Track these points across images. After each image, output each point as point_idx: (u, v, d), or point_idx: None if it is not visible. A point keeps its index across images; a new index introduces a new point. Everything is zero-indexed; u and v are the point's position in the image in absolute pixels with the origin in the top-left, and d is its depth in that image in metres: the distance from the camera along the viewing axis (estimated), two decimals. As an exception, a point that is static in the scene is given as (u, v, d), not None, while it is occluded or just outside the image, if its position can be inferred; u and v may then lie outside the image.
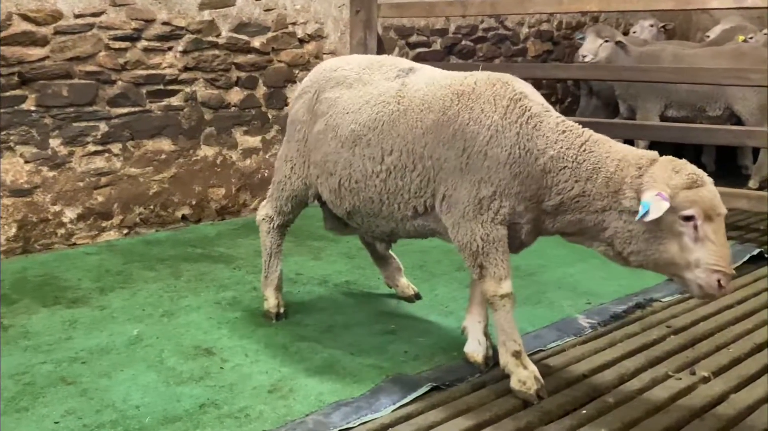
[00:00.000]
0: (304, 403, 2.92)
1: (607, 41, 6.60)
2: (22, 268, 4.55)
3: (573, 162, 2.85)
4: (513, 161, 2.87)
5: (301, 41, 6.10)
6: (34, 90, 4.83)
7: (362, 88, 3.33)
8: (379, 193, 3.20)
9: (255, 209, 5.93)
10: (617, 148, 2.88)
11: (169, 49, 5.36)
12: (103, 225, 5.20)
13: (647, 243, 2.76)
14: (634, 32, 7.97)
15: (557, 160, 2.86)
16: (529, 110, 2.93)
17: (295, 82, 6.08)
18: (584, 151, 2.85)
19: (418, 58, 6.94)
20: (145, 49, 5.26)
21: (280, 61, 5.97)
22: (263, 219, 3.86)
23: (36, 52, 4.81)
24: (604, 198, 2.80)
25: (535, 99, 2.99)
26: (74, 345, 3.48)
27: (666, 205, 2.61)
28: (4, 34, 4.67)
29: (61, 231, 5.03)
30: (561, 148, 2.86)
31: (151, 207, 5.40)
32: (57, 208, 5.00)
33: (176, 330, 3.64)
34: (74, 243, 5.07)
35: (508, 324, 3.00)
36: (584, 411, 2.83)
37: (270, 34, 5.88)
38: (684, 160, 2.77)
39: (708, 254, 2.65)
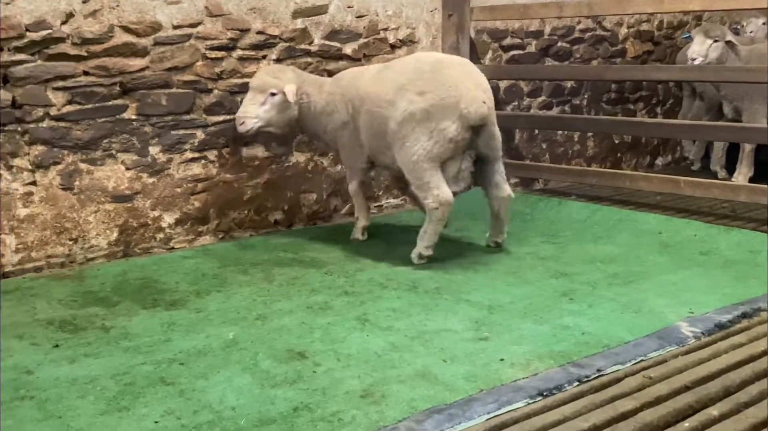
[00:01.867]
0: (396, 409, 2.93)
1: (716, 41, 6.31)
2: (122, 271, 4.75)
3: None
4: None
5: (393, 47, 6.15)
6: (135, 99, 5.05)
7: None
8: None
9: (345, 214, 6.03)
10: None
11: (263, 57, 5.51)
12: (200, 229, 5.38)
13: None
14: (751, 32, 7.63)
15: None
16: None
17: (386, 87, 6.13)
18: None
19: (512, 61, 6.90)
20: (240, 58, 5.41)
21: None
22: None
23: (136, 63, 5.02)
24: None
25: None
26: (172, 346, 3.60)
27: None
28: (106, 45, 4.89)
29: (160, 235, 5.23)
30: None
31: (246, 212, 5.55)
32: (156, 213, 5.20)
33: (270, 334, 3.72)
34: (172, 248, 5.26)
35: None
36: (686, 424, 2.74)
37: (362, 41, 5.95)
38: None
39: None
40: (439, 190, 4.61)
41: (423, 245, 4.78)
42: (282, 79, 5.04)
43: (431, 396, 3.02)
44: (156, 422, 2.88)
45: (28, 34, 4.61)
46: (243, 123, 5.04)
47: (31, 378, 3.28)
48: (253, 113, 5.04)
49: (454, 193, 4.69)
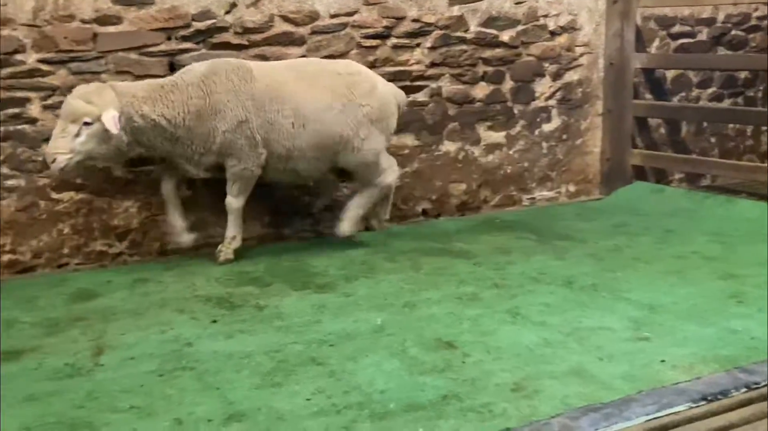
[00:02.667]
0: (549, 405, 2.89)
1: None
2: (275, 254, 4.96)
3: None
4: None
5: (553, 34, 6.05)
6: (292, 88, 5.24)
7: None
8: None
9: (496, 206, 6.01)
10: None
11: (418, 45, 5.57)
12: (349, 217, 5.51)
13: None
14: None
15: None
16: None
17: (544, 75, 6.05)
18: None
19: (681, 49, 6.62)
20: (395, 46, 5.50)
21: (529, 55, 5.98)
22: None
23: (294, 52, 5.21)
24: None
25: None
26: (322, 328, 3.73)
27: None
28: (266, 35, 5.12)
29: (310, 220, 5.41)
30: None
31: (393, 200, 5.64)
32: (307, 199, 5.38)
33: (418, 322, 3.77)
34: (321, 233, 5.43)
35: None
36: None
37: (520, 27, 5.90)
38: None
39: None
40: (388, 164, 4.98)
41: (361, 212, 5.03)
42: (97, 104, 4.23)
43: (586, 394, 2.96)
44: (308, 399, 2.99)
45: (193, 23, 4.90)
46: (54, 160, 4.22)
47: (191, 350, 3.49)
48: (65, 147, 4.21)
49: None
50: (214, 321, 3.83)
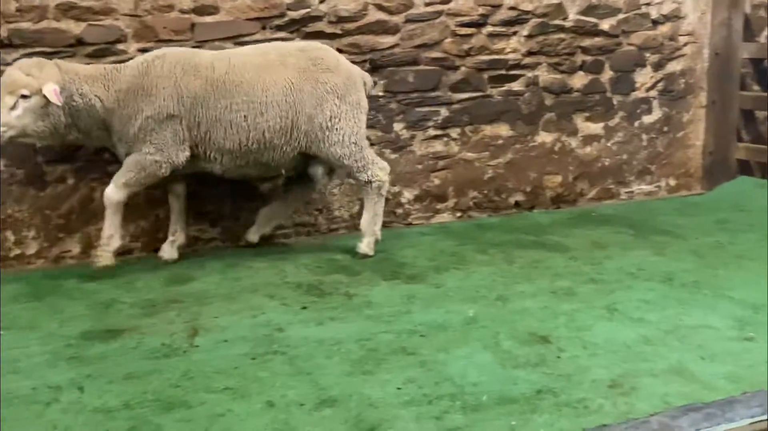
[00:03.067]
0: (648, 403, 2.84)
1: None
2: (363, 244, 4.99)
3: None
4: None
5: (655, 22, 5.89)
6: (383, 76, 5.27)
7: None
8: None
9: (593, 199, 5.89)
10: None
11: (514, 33, 5.51)
12: (438, 207, 5.51)
13: None
14: None
15: None
16: None
17: (645, 65, 5.90)
18: None
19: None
20: (490, 35, 5.46)
21: (629, 44, 5.84)
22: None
23: (387, 40, 5.23)
24: None
25: None
26: (413, 318, 3.74)
27: None
28: (359, 23, 5.15)
29: (399, 211, 5.43)
30: None
31: (485, 191, 5.61)
32: (396, 188, 5.40)
33: (511, 316, 3.75)
34: (410, 223, 5.45)
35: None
36: None
37: (621, 16, 5.76)
38: None
39: None
40: (379, 162, 4.71)
41: (377, 229, 4.73)
42: (37, 77, 4.09)
43: (687, 393, 2.90)
44: (399, 388, 3.01)
45: (288, 12, 4.97)
46: None
47: (283, 335, 3.56)
48: None
49: None
50: (304, 308, 3.89)
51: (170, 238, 4.66)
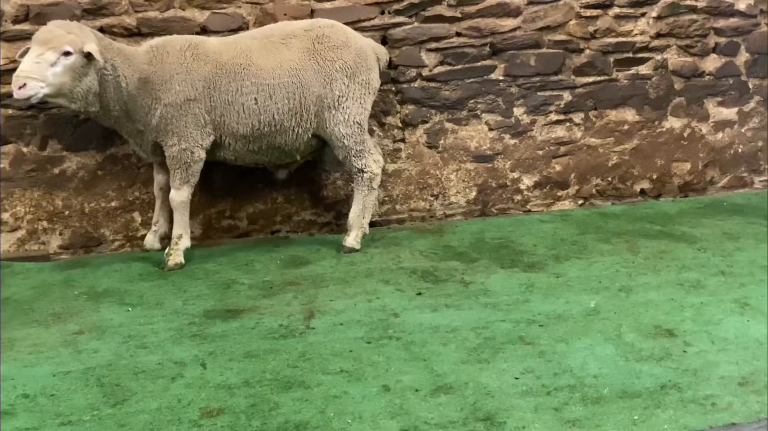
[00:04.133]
0: (783, 403, 2.72)
1: None
2: (479, 230, 4.97)
3: None
4: None
5: (797, 0, 5.59)
6: (503, 60, 5.22)
7: None
8: None
9: (724, 187, 5.66)
10: None
11: (642, 15, 5.34)
12: (559, 194, 5.43)
13: None
14: None
15: None
16: None
17: (785, 46, 5.60)
18: None
19: None
20: (617, 16, 5.31)
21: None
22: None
23: (508, 23, 5.17)
24: None
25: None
26: (531, 307, 3.71)
27: None
28: (480, 6, 5.11)
29: (518, 197, 5.38)
30: None
31: (609, 179, 5.47)
32: (515, 174, 5.35)
33: (634, 307, 3.67)
34: (529, 210, 5.38)
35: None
36: None
37: (760, -6, 5.50)
38: None
39: None
40: (375, 154, 4.65)
41: (365, 222, 4.68)
42: (79, 35, 4.04)
43: (828, 396, 2.76)
44: (516, 378, 3.01)
45: (408, -4, 5.00)
46: (24, 86, 3.92)
47: (398, 320, 3.61)
48: (38, 73, 3.95)
49: None
50: (419, 294, 3.92)
51: (153, 228, 4.62)
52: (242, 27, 4.77)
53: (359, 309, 3.75)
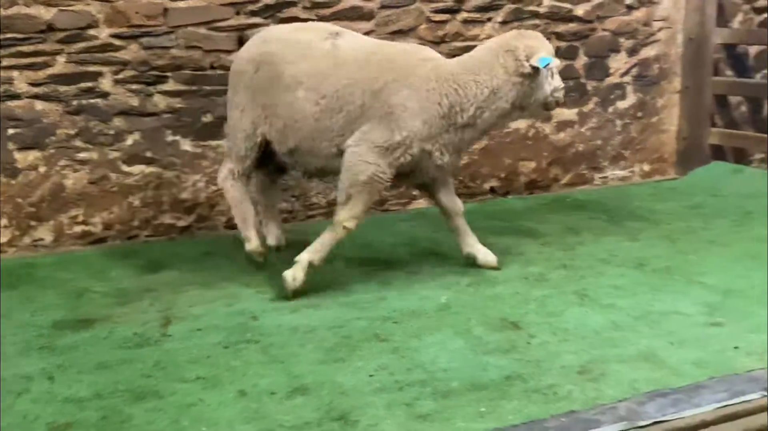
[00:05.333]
0: (616, 389, 2.86)
1: None
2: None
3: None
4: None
5: (630, 8, 5.89)
6: (360, 62, 5.24)
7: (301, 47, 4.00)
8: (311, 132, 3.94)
9: (567, 184, 5.92)
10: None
11: (489, 20, 5.50)
12: (415, 193, 5.51)
13: None
14: None
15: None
16: (436, 68, 3.90)
17: (619, 51, 5.90)
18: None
19: (765, 24, 6.37)
20: (465, 21, 5.44)
21: (604, 30, 5.84)
22: (225, 177, 4.21)
23: (362, 26, 5.19)
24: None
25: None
26: (387, 305, 3.75)
27: None
28: (334, 9, 5.12)
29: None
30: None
31: (460, 178, 5.61)
32: (374, 175, 5.39)
33: (483, 302, 3.76)
34: (387, 210, 5.45)
35: (326, 244, 3.95)
36: None
37: (595, 1, 5.76)
38: None
39: None
40: None
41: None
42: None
43: (655, 379, 2.92)
44: (371, 375, 3.03)
45: (262, -3, 4.94)
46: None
47: (257, 323, 3.56)
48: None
49: None
50: (281, 296, 3.88)
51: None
52: (91, 25, 4.58)
53: (218, 313, 3.68)
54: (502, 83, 3.83)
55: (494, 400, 2.82)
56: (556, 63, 3.89)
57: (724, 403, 2.72)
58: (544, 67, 3.81)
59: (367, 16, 5.21)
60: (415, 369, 3.07)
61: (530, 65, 3.80)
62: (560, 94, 4.01)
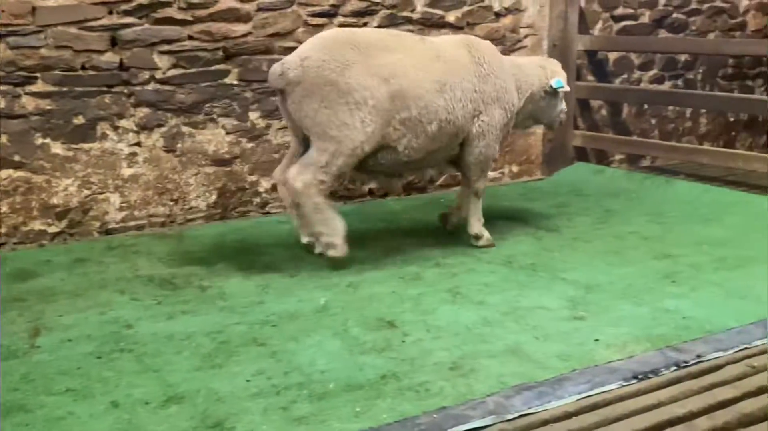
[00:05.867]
0: (485, 383, 2.93)
1: None
2: (220, 233, 4.91)
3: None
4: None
5: (498, 15, 6.06)
6: (237, 64, 5.18)
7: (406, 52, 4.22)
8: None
9: (442, 185, 6.03)
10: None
11: (364, 24, 5.53)
12: (295, 196, 5.48)
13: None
14: None
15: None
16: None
17: (488, 56, 6.05)
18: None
19: (623, 32, 6.70)
20: (342, 25, 5.45)
21: (475, 36, 5.97)
22: (310, 184, 4.06)
23: (240, 28, 5.14)
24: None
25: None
26: (266, 308, 3.71)
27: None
28: (211, 10, 5.03)
29: (257, 200, 5.37)
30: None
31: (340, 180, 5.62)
32: (254, 177, 5.34)
33: (360, 302, 3.78)
34: (268, 212, 5.40)
35: (479, 209, 4.64)
36: (792, 417, 2.64)
37: (465, 8, 5.90)
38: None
39: None
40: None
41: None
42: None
43: (521, 373, 3.01)
44: (248, 380, 2.98)
45: (136, -4, 4.79)
46: None
47: (131, 332, 3.45)
48: None
49: None
50: (156, 303, 3.78)
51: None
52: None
53: (91, 322, 3.54)
54: (536, 90, 4.70)
55: (369, 400, 2.83)
56: (567, 89, 4.77)
57: (586, 394, 2.83)
58: (558, 88, 4.70)
59: (244, 18, 5.15)
60: (293, 373, 3.05)
61: (550, 85, 4.69)
62: (564, 116, 4.95)
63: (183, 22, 4.94)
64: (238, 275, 4.18)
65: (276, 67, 4.11)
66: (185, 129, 5.08)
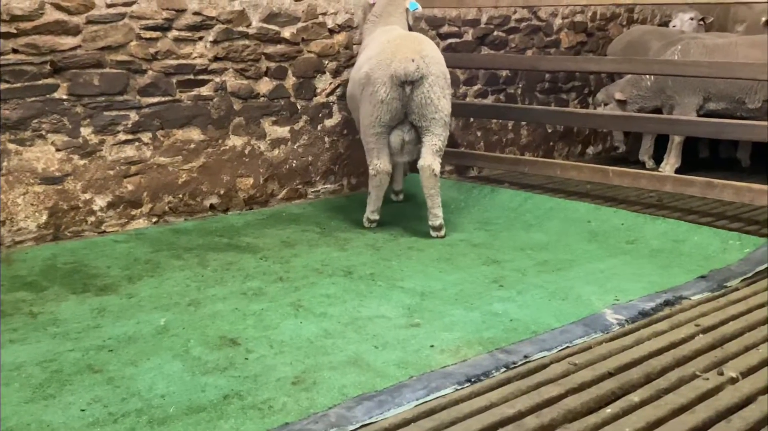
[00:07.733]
0: (327, 396, 2.92)
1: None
2: (52, 255, 4.61)
3: None
4: None
5: (331, 31, 6.08)
6: (66, 79, 4.89)
7: None
8: None
9: (283, 199, 5.97)
10: None
11: (200, 39, 5.39)
12: (133, 213, 5.25)
13: None
14: (674, 26, 7.86)
15: None
16: None
17: (324, 72, 6.07)
18: None
19: (449, 49, 6.91)
20: (176, 39, 5.28)
21: (310, 52, 5.97)
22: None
23: (68, 42, 4.85)
24: None
25: None
26: (102, 333, 3.52)
27: None
28: (36, 23, 4.72)
29: (91, 219, 5.09)
30: None
31: (180, 196, 5.44)
32: (87, 196, 5.06)
33: (202, 321, 3.66)
34: (104, 231, 5.13)
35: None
36: (609, 410, 2.80)
37: (300, 24, 5.87)
38: None
39: None
40: (378, 160, 5.12)
41: (368, 209, 5.30)
42: None
43: (362, 383, 3.02)
44: (82, 410, 2.81)
45: (-55, 9, 4.42)
46: None
47: (-47, 365, 3.16)
48: None
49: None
50: (-19, 332, 3.49)
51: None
52: None
53: None
54: None
55: (212, 421, 2.74)
56: (420, 10, 5.44)
57: (423, 400, 2.87)
58: (413, 10, 5.40)
59: (73, 31, 4.86)
60: (131, 399, 2.90)
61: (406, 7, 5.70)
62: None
63: (7, 35, 4.60)
64: (71, 298, 3.94)
65: (410, 64, 4.73)
66: (11, 146, 4.73)
